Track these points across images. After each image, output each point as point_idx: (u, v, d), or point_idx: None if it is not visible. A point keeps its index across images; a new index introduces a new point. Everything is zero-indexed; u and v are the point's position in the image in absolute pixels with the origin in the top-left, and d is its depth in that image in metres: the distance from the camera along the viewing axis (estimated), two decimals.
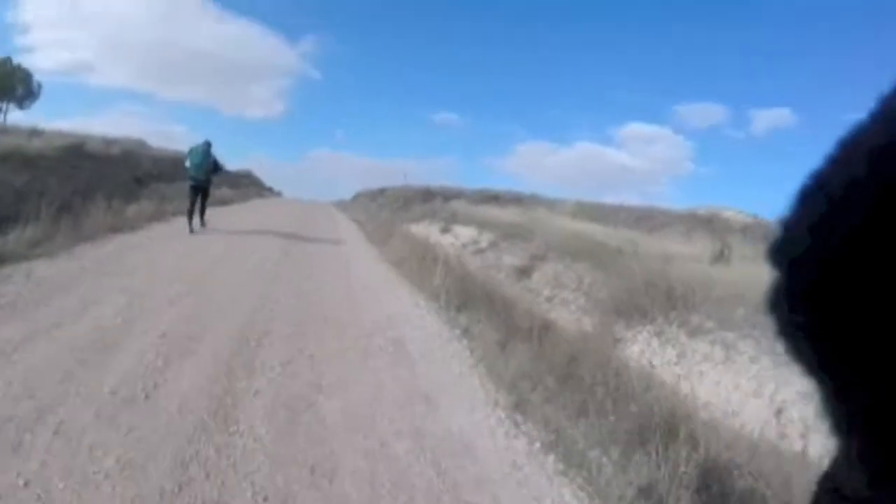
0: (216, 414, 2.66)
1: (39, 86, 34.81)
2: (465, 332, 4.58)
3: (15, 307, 3.63)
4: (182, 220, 8.54)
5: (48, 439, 2.28)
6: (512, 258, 8.54)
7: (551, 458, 2.76)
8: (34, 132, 11.22)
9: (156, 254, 6.07)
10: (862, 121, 0.28)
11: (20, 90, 33.27)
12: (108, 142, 12.54)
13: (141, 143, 16.23)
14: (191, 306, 4.22)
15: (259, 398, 2.90)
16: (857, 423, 0.29)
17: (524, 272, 7.88)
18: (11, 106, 33.09)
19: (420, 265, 7.09)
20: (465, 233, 11.06)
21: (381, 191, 24.86)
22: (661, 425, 2.87)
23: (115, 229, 6.70)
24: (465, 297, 5.49)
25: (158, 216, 8.82)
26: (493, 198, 17.67)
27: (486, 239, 10.18)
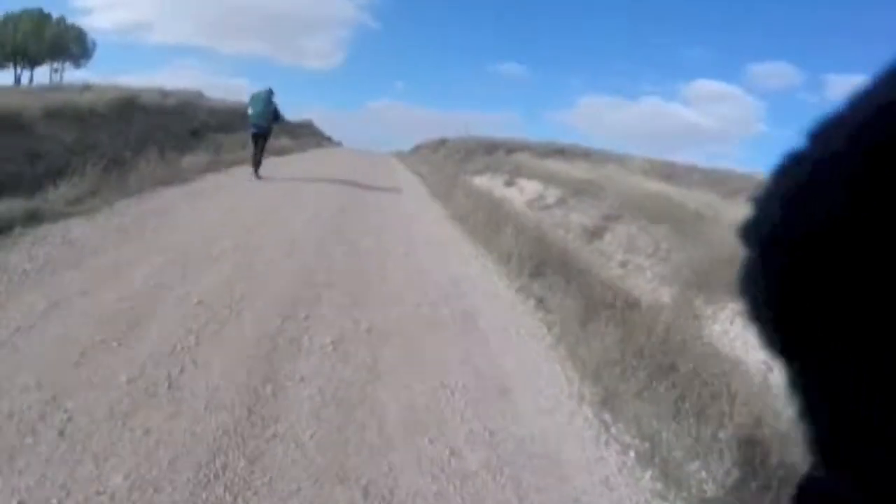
0: (252, 411, 2.18)
1: (94, 44, 35.20)
2: (540, 303, 4.01)
3: (42, 272, 3.27)
4: (238, 170, 8.41)
5: (51, 444, 1.88)
6: (581, 217, 7.72)
7: (648, 474, 2.26)
8: (86, 87, 11.07)
9: (204, 208, 5.69)
10: (840, 105, 0.27)
11: (75, 49, 33.53)
12: (164, 94, 12.28)
13: (198, 95, 15.99)
14: (234, 269, 3.78)
15: (304, 387, 2.43)
16: (824, 412, 0.27)
17: (595, 233, 7.06)
18: (68, 65, 33.66)
19: (486, 222, 6.55)
20: (530, 187, 10.23)
21: (442, 142, 23.86)
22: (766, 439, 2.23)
23: (166, 182, 6.31)
24: (538, 260, 4.90)
25: (213, 167, 8.46)
26: (559, 151, 16.41)
27: (552, 195, 9.33)
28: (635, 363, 2.98)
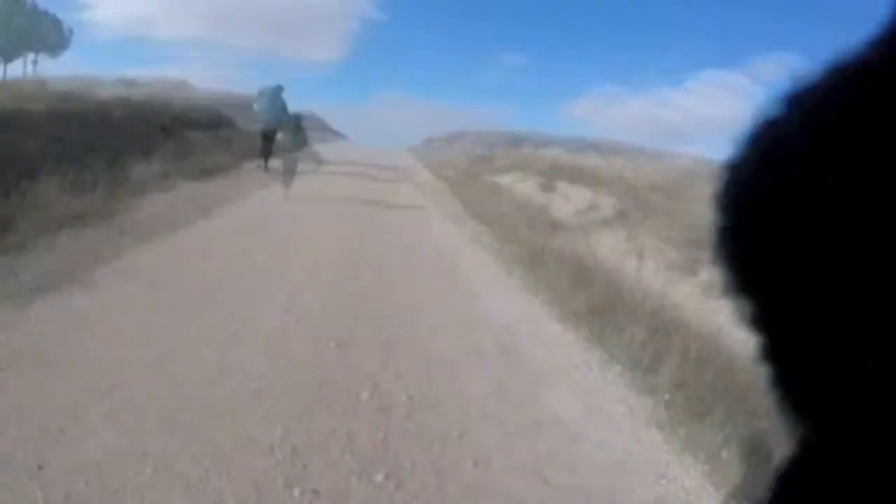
0: None
1: (71, 32, 32.48)
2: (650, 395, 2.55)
3: None
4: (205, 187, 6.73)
5: None
6: (660, 243, 5.67)
7: None
8: (41, 82, 9.28)
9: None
10: (816, 71, 0.27)
11: (53, 38, 30.42)
12: (130, 84, 10.57)
13: (182, 84, 14.34)
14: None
15: None
16: (797, 376, 0.28)
17: (690, 270, 5.02)
18: (43, 56, 30.42)
19: (533, 247, 5.25)
20: (575, 194, 8.25)
21: (459, 134, 22.04)
22: None
23: (80, 218, 4.31)
24: (610, 311, 3.57)
25: (172, 183, 6.62)
26: (592, 146, 14.38)
27: (608, 204, 7.35)
28: None
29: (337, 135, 33.58)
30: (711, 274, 4.81)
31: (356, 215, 6.61)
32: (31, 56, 29.96)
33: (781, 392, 0.28)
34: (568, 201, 8.21)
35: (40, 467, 1.70)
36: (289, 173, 7.10)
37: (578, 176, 8.93)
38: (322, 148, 14.76)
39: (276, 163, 8.23)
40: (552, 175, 9.41)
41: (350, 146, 21.03)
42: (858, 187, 0.23)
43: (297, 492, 1.74)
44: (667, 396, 2.69)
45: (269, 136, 8.91)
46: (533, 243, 5.58)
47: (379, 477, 1.87)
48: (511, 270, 4.89)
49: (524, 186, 9.52)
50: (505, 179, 10.19)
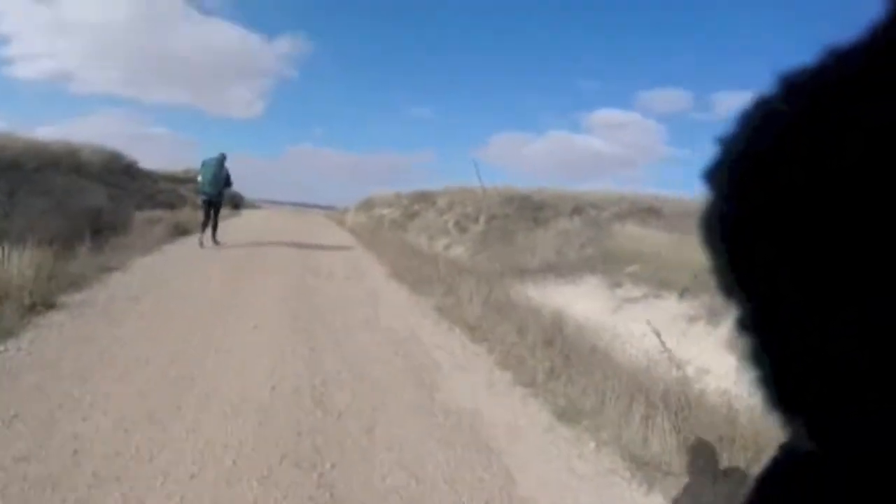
0: None
1: None
2: None
3: None
4: None
5: None
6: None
7: None
8: None
9: None
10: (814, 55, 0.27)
11: None
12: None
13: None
14: None
15: None
16: (782, 358, 0.27)
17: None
18: None
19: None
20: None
21: (424, 196, 19.68)
22: None
23: None
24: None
25: None
26: (648, 211, 12.40)
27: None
28: None
29: (253, 205, 31.63)
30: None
31: None
32: None
33: (775, 391, 0.27)
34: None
35: None
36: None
37: None
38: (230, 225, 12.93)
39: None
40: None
41: (258, 223, 17.99)
42: (851, 167, 0.23)
43: None
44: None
45: (212, 207, 9.12)
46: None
47: None
48: None
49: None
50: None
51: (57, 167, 10.84)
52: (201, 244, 8.90)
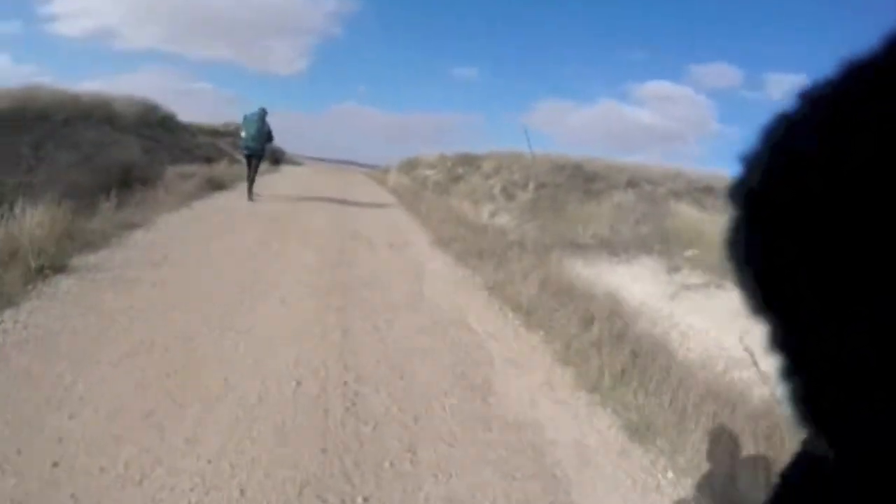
0: None
1: None
2: None
3: None
4: None
5: None
6: None
7: None
8: None
9: None
10: (832, 69, 0.27)
11: None
12: None
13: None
14: None
15: None
16: (809, 371, 0.27)
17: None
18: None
19: None
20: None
21: (469, 158, 18.61)
22: None
23: None
24: None
25: None
26: (705, 190, 11.59)
27: None
28: None
29: (294, 161, 31.25)
30: None
31: None
32: None
33: (803, 405, 0.27)
34: None
35: None
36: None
37: None
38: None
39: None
40: None
41: (297, 182, 16.43)
42: (870, 179, 0.23)
43: None
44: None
45: (254, 161, 9.25)
46: None
47: None
48: None
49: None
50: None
51: (88, 119, 10.54)
52: (250, 198, 9.11)
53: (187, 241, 5.69)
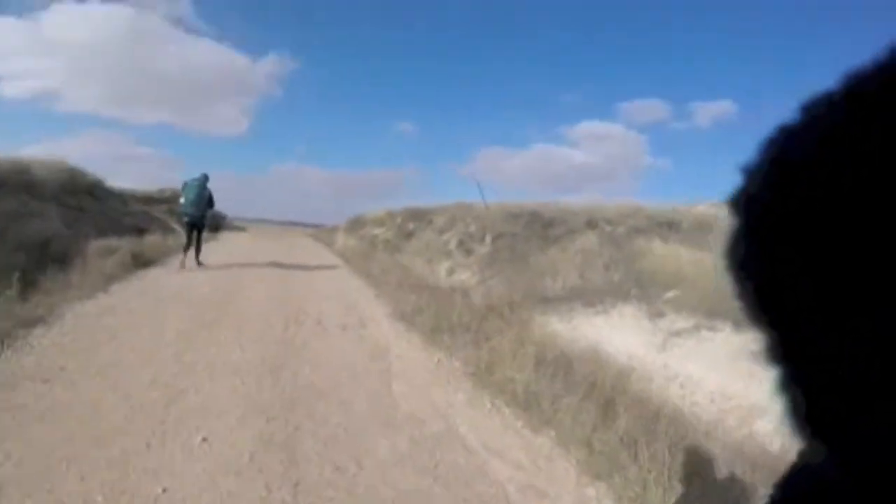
0: None
1: None
2: None
3: None
4: None
5: None
6: None
7: None
8: None
9: None
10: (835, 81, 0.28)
11: None
12: None
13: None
14: None
15: None
16: (808, 382, 0.27)
17: None
18: None
19: None
20: None
21: (418, 213, 17.80)
22: None
23: None
24: None
25: None
26: (669, 225, 11.12)
27: None
28: None
29: (236, 227, 29.91)
30: None
31: None
32: None
33: (801, 417, 0.27)
34: None
35: None
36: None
37: None
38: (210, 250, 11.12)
39: None
40: None
41: (236, 253, 14.52)
42: (868, 191, 0.24)
43: None
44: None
45: (195, 228, 9.04)
46: None
47: None
48: None
49: None
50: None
51: (1, 188, 9.16)
52: (182, 265, 8.77)
53: (95, 339, 4.51)
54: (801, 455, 0.32)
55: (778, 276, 0.27)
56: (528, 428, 3.60)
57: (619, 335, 6.06)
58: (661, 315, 6.21)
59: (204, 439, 2.95)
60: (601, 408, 3.70)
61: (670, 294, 6.61)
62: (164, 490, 2.47)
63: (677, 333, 5.76)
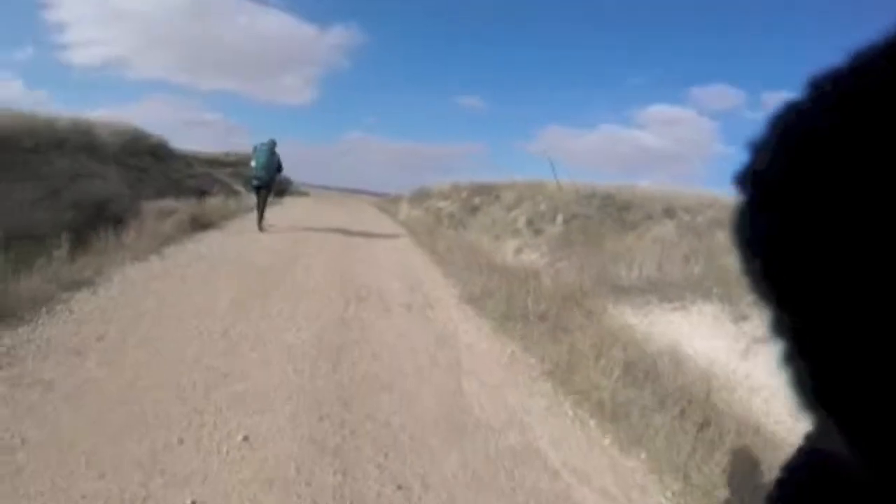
0: None
1: None
2: None
3: None
4: None
5: None
6: None
7: None
8: None
9: None
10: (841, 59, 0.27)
11: None
12: None
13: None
14: None
15: None
16: (817, 362, 0.26)
17: None
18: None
19: None
20: None
21: (485, 188, 17.30)
22: None
23: None
24: None
25: None
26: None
27: None
28: None
29: (300, 192, 30.08)
30: None
31: None
32: None
33: (811, 393, 0.26)
34: None
35: None
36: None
37: None
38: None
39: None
40: None
41: (298, 215, 13.66)
42: (876, 167, 0.23)
43: None
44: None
45: (263, 192, 9.24)
46: None
47: None
48: None
49: None
50: None
51: (61, 147, 9.18)
52: (260, 228, 9.07)
53: (139, 307, 4.18)
54: (809, 437, 0.31)
55: (784, 248, 0.26)
56: (616, 446, 3.03)
57: (698, 336, 5.42)
58: (744, 318, 5.47)
59: (245, 438, 2.49)
60: (697, 427, 3.10)
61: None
62: (193, 503, 2.03)
63: (761, 340, 5.04)
